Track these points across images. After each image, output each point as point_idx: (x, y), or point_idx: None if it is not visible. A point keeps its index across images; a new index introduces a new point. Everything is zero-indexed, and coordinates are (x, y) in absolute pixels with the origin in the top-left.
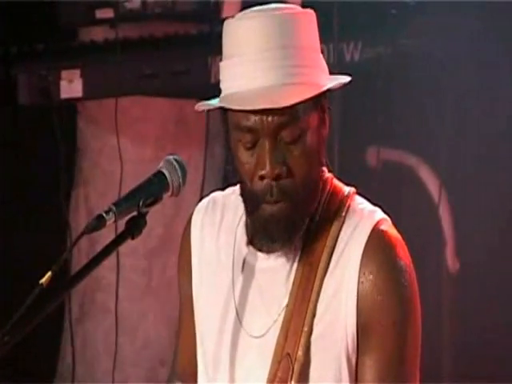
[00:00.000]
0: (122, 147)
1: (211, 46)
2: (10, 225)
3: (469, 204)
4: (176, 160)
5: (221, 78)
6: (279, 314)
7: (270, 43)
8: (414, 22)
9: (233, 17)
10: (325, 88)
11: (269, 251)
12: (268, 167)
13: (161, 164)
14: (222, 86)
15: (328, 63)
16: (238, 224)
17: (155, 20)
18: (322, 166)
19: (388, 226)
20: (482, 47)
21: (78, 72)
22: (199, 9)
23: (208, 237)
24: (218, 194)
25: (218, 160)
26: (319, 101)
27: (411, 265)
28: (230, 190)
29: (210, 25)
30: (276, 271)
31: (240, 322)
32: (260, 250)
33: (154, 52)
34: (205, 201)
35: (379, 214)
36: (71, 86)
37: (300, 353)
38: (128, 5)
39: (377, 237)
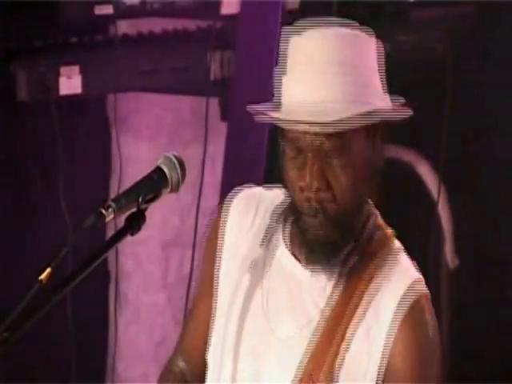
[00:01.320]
0: (120, 143)
1: (210, 42)
2: (8, 224)
3: (467, 200)
4: (175, 157)
5: (281, 90)
6: (306, 325)
7: (328, 60)
8: (413, 18)
9: (295, 30)
10: (374, 107)
11: (308, 262)
12: (308, 179)
13: (160, 160)
14: (279, 96)
15: None
16: (277, 224)
17: (154, 16)
18: (367, 191)
19: (422, 286)
20: (481, 42)
21: (76, 68)
22: (198, 5)
23: (244, 228)
24: (256, 189)
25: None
26: (372, 128)
27: (435, 332)
28: (267, 187)
29: (210, 21)
30: (310, 283)
31: (267, 320)
32: (299, 260)
33: (153, 48)
34: (243, 193)
35: (414, 272)
36: (70, 82)
37: (322, 377)
38: (127, 1)
39: (412, 296)
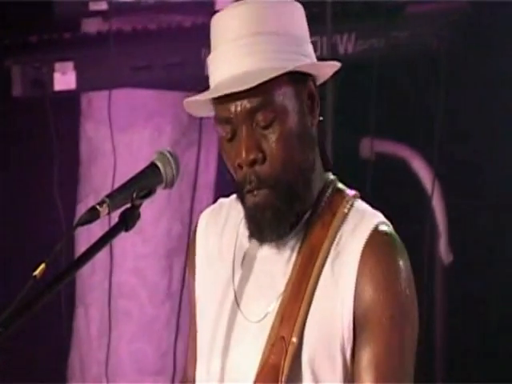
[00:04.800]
0: (114, 139)
1: (205, 38)
2: (3, 219)
3: (462, 196)
4: (169, 152)
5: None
6: (277, 300)
7: (244, 31)
8: (407, 14)
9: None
10: (291, 68)
11: (261, 240)
12: (243, 154)
13: (154, 156)
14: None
15: (321, 56)
16: (241, 220)
17: (149, 12)
18: (307, 157)
19: (389, 228)
20: (476, 38)
21: (71, 64)
22: (193, 1)
23: (212, 236)
24: (225, 198)
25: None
26: (300, 85)
27: (409, 267)
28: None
29: (204, 17)
30: (275, 259)
31: (238, 307)
32: (256, 240)
33: (148, 44)
34: (212, 206)
35: (381, 217)
36: (65, 77)
37: (294, 338)
38: None
39: (378, 235)
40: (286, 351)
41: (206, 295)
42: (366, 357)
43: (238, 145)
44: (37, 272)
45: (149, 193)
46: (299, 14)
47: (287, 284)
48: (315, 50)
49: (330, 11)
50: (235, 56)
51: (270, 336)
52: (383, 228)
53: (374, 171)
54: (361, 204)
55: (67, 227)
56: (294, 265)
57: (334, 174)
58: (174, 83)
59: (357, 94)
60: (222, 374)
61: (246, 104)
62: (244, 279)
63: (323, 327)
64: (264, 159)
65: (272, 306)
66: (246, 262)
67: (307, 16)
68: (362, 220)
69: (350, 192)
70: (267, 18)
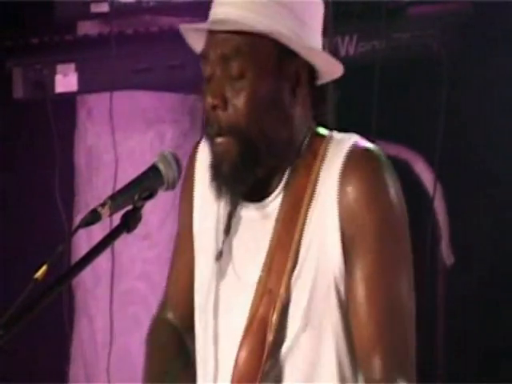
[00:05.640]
0: (116, 141)
1: None
2: (4, 220)
3: (464, 198)
4: (171, 154)
5: None
6: (267, 254)
7: None
8: (409, 15)
9: None
10: (271, 30)
11: (220, 193)
12: (208, 97)
13: (156, 158)
14: None
15: None
16: None
17: (150, 14)
18: (279, 127)
19: (369, 144)
20: (478, 39)
21: (72, 66)
22: (194, 2)
23: (207, 178)
24: None
25: None
26: (285, 60)
27: (396, 181)
28: None
29: (205, 19)
30: (264, 218)
31: (229, 269)
32: (217, 193)
33: (149, 46)
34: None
35: (356, 136)
36: (66, 79)
37: (282, 289)
38: None
39: (355, 153)
40: (275, 303)
41: (202, 241)
42: (356, 278)
43: (208, 87)
44: (38, 274)
45: (150, 194)
46: (314, 5)
47: (273, 238)
48: None
49: (331, 13)
50: (232, 4)
51: (257, 289)
52: (361, 144)
53: None
54: (339, 134)
55: (69, 229)
56: (278, 217)
57: None
58: (175, 85)
59: (358, 96)
60: (215, 332)
61: (222, 47)
62: (237, 239)
63: (312, 273)
64: (226, 107)
65: (262, 264)
66: (236, 224)
67: None
68: (337, 147)
69: (329, 133)
70: None
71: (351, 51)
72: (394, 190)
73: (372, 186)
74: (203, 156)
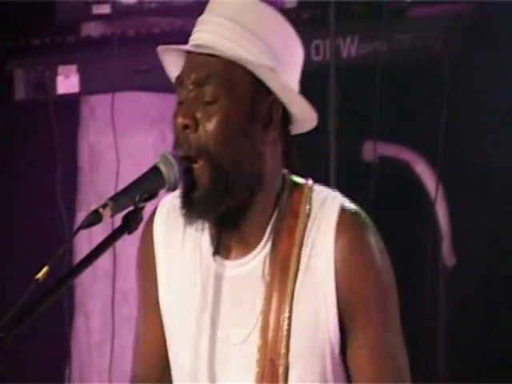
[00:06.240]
0: (118, 142)
1: None
2: (6, 222)
3: (465, 199)
4: (172, 155)
5: None
6: (257, 320)
7: (236, 17)
8: (410, 16)
9: None
10: (248, 58)
11: (190, 220)
12: (179, 117)
13: (157, 159)
14: None
15: (325, 59)
16: (201, 237)
17: (152, 15)
18: (250, 160)
19: (352, 207)
20: (479, 40)
21: (74, 67)
22: (195, 4)
23: (173, 244)
24: (175, 199)
25: None
26: (258, 94)
27: (379, 239)
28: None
29: None
30: (247, 276)
31: (215, 333)
32: (187, 220)
33: (151, 48)
34: (165, 207)
35: (338, 195)
36: (68, 81)
37: (282, 359)
38: (124, 1)
39: (345, 218)
40: (278, 373)
41: (176, 311)
42: (359, 343)
43: (179, 109)
44: (40, 275)
45: (151, 196)
46: (293, 42)
47: (264, 302)
48: (318, 54)
49: (333, 14)
50: (207, 31)
51: (258, 360)
52: (347, 210)
53: (377, 174)
54: (318, 193)
55: (70, 230)
56: (268, 282)
57: (336, 177)
58: None
59: (360, 97)
60: None
61: (197, 72)
62: (217, 300)
63: (309, 339)
64: (196, 128)
65: (252, 325)
66: (216, 281)
67: (310, 19)
68: (324, 211)
69: (306, 183)
70: (262, 23)
71: (353, 52)
72: (384, 253)
73: (368, 254)
74: (163, 212)
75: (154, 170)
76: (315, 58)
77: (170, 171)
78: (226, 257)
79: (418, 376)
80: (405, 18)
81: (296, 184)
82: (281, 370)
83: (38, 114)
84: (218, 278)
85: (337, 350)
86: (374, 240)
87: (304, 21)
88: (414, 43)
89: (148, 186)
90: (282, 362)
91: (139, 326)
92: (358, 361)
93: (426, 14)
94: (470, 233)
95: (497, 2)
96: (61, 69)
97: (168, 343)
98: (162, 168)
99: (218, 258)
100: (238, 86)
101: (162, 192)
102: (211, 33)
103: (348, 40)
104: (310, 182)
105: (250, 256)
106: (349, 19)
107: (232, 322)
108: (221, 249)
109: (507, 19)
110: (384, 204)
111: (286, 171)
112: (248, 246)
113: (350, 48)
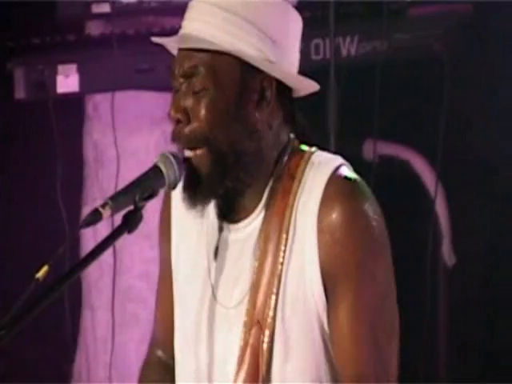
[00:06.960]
0: (118, 142)
1: None
2: (7, 221)
3: (465, 198)
4: (172, 155)
5: None
6: (249, 284)
7: (223, 4)
8: (410, 16)
9: None
10: (229, 49)
11: (191, 204)
12: (171, 112)
13: (157, 158)
14: None
15: (324, 58)
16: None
17: (152, 14)
18: (245, 140)
19: (346, 171)
20: (478, 40)
21: (74, 67)
22: None
23: (187, 213)
24: None
25: None
26: (248, 76)
27: (375, 209)
28: None
29: None
30: (245, 241)
31: (215, 296)
32: (188, 204)
33: (151, 47)
34: None
35: (337, 160)
36: (68, 80)
37: (269, 320)
38: (124, 0)
39: (333, 183)
40: (263, 334)
41: (184, 276)
42: (340, 318)
43: (173, 99)
44: (39, 274)
45: (151, 195)
46: (288, 18)
47: (257, 267)
48: (318, 53)
49: (332, 13)
50: (196, 19)
51: (245, 322)
52: (341, 172)
53: (377, 173)
54: (318, 156)
55: (70, 229)
56: (261, 245)
57: None
58: None
59: (360, 96)
60: (210, 361)
61: (184, 64)
62: (220, 265)
63: (297, 304)
64: (189, 121)
65: (246, 289)
66: (221, 250)
67: (310, 18)
68: (316, 174)
69: (310, 149)
70: (253, 6)
71: (353, 52)
72: (375, 221)
73: (352, 218)
74: (179, 196)
75: (154, 169)
76: (315, 58)
77: (170, 170)
78: (230, 221)
79: (418, 376)
80: (404, 18)
81: (299, 150)
82: (267, 333)
83: (38, 113)
84: (223, 242)
85: (324, 319)
86: (364, 208)
87: (304, 20)
88: (414, 42)
89: (148, 185)
90: (269, 324)
91: (158, 290)
92: (335, 327)
93: (425, 13)
94: (470, 232)
95: (496, 1)
96: (61, 68)
97: (175, 305)
98: (162, 167)
99: (224, 222)
100: (225, 73)
101: (161, 191)
102: (198, 20)
103: (348, 39)
104: (315, 148)
105: (249, 219)
106: (349, 18)
107: (229, 286)
108: (225, 213)
109: (506, 19)
110: (384, 203)
111: (293, 137)
112: (247, 210)
113: (349, 47)
